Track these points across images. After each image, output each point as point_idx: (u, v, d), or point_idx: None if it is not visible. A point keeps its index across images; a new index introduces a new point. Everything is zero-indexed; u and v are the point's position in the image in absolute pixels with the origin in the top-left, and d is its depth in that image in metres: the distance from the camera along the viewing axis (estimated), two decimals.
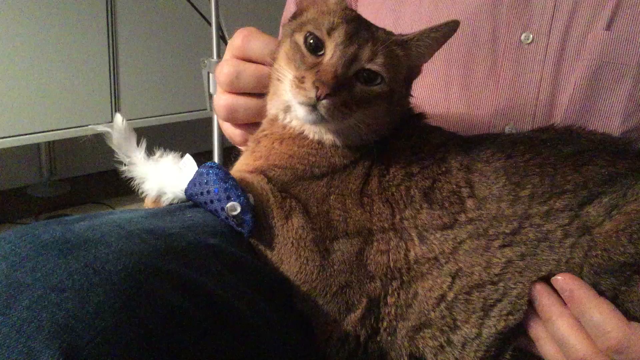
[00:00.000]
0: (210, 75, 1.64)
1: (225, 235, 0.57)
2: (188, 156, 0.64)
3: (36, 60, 1.90)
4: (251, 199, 0.59)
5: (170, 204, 0.62)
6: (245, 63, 0.66)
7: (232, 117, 0.69)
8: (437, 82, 0.78)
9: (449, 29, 0.62)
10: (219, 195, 0.58)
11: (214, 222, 0.58)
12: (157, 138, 2.48)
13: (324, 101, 0.56)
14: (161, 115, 2.25)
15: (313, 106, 0.57)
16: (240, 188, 0.59)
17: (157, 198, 0.63)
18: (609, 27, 0.73)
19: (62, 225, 0.46)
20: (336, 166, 0.62)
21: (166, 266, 0.46)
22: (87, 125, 2.05)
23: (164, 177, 0.62)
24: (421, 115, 0.67)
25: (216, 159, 1.69)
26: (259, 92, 0.67)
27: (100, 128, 0.63)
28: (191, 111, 2.31)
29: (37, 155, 2.38)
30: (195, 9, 1.71)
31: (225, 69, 0.67)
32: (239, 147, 0.73)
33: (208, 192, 0.59)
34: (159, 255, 0.47)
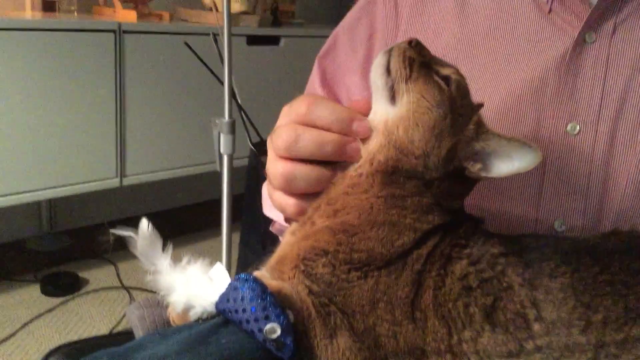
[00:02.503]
0: (222, 135, 1.61)
1: None
2: (219, 264, 0.59)
3: (42, 116, 1.86)
4: (291, 317, 0.54)
5: (199, 319, 0.57)
6: (307, 127, 0.60)
7: (289, 186, 0.61)
8: None
9: None
10: (255, 314, 0.53)
11: (250, 346, 0.52)
12: (162, 192, 2.47)
13: None
14: (166, 170, 2.21)
15: None
16: (280, 305, 0.53)
17: (184, 311, 0.57)
18: None
19: None
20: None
21: None
22: (92, 182, 2.03)
23: (193, 288, 0.57)
24: (480, 221, 0.62)
25: (225, 211, 1.64)
26: (318, 159, 0.60)
27: (124, 232, 0.58)
28: (196, 165, 2.27)
29: (37, 208, 2.33)
30: (207, 67, 1.69)
31: (284, 134, 0.60)
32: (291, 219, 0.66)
33: (244, 310, 0.53)
34: None
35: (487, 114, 0.74)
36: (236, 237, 1.71)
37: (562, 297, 0.53)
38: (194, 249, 2.52)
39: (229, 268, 1.64)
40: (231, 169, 1.64)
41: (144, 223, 0.58)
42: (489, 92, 0.76)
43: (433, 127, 0.59)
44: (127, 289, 2.19)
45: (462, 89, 0.62)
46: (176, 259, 0.60)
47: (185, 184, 2.57)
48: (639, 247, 0.58)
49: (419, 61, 0.61)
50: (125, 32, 1.97)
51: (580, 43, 0.72)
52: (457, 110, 0.60)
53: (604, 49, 0.72)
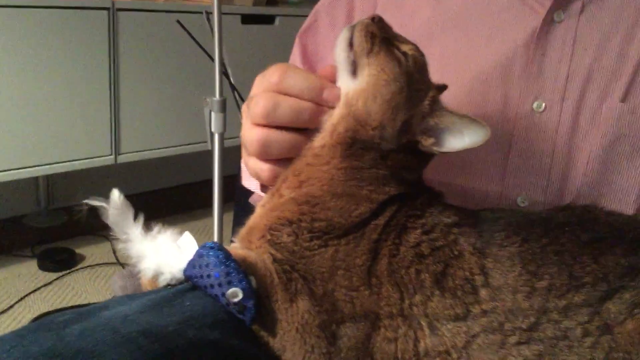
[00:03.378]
0: (213, 113, 1.63)
1: (227, 325, 0.54)
2: (187, 234, 0.61)
3: (37, 93, 1.88)
4: (253, 282, 0.56)
5: (168, 285, 0.59)
6: (283, 96, 0.62)
7: (264, 152, 0.64)
8: None
9: None
10: (219, 279, 0.55)
11: (214, 308, 0.55)
12: (157, 171, 2.48)
13: None
14: (161, 148, 2.23)
15: None
16: (243, 271, 0.56)
17: (154, 278, 0.60)
18: (624, 99, 0.71)
19: (52, 332, 0.43)
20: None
21: None
22: (87, 159, 2.05)
23: (162, 256, 0.59)
24: (439, 194, 0.65)
25: (216, 190, 1.67)
26: (295, 126, 0.63)
27: (96, 202, 0.61)
28: (191, 144, 2.29)
29: (34, 185, 2.35)
30: (199, 44, 1.70)
31: (261, 101, 0.62)
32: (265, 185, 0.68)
33: (208, 275, 0.56)
34: None
35: (457, 93, 0.76)
36: (229, 217, 1.73)
37: (510, 264, 0.56)
38: (187, 227, 2.55)
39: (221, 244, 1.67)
40: (222, 148, 1.66)
41: (115, 194, 0.61)
42: (460, 71, 0.77)
43: (390, 99, 0.61)
44: (122, 264, 2.23)
45: (420, 65, 0.64)
46: (182, 231, 0.62)
47: (181, 163, 2.59)
48: (590, 220, 0.61)
49: (380, 36, 0.64)
50: (118, 9, 1.98)
51: (549, 22, 0.73)
52: (414, 85, 0.62)
53: (572, 28, 0.73)
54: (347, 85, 0.63)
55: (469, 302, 0.55)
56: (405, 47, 0.64)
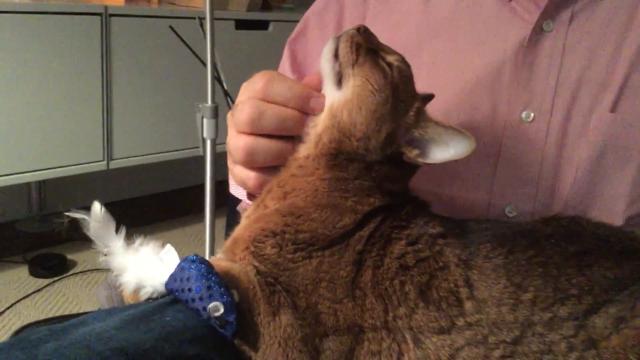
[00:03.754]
0: (205, 119, 1.62)
1: (208, 340, 0.53)
2: (169, 246, 0.60)
3: (29, 99, 1.87)
4: (236, 296, 0.56)
5: (149, 298, 0.58)
6: (268, 104, 0.62)
7: (250, 160, 0.63)
8: None
9: None
10: (200, 293, 0.55)
11: (195, 323, 0.54)
12: (149, 176, 2.46)
13: None
14: (153, 154, 2.22)
15: None
16: (224, 285, 0.55)
17: (136, 291, 0.59)
18: (613, 109, 0.70)
19: (25, 351, 0.42)
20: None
21: None
22: (79, 164, 2.04)
23: (143, 269, 0.59)
24: (425, 204, 0.64)
25: (208, 195, 1.66)
26: (280, 134, 0.63)
27: (77, 215, 0.60)
28: (183, 149, 2.28)
29: (26, 191, 2.34)
30: (191, 50, 1.69)
31: (246, 109, 0.61)
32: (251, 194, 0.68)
33: (189, 289, 0.55)
34: None
35: (445, 101, 0.76)
36: (222, 222, 1.72)
37: (495, 277, 0.55)
38: (181, 233, 2.54)
39: (212, 252, 1.66)
40: (214, 154, 1.65)
41: (97, 206, 0.60)
42: (449, 79, 0.77)
43: (375, 110, 0.60)
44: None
45: (405, 76, 0.63)
46: (164, 243, 0.61)
47: (173, 168, 2.58)
48: (577, 232, 0.60)
49: (365, 47, 0.63)
50: (112, 15, 1.97)
51: (538, 31, 0.73)
52: (399, 96, 0.62)
53: (561, 37, 0.73)
54: (332, 96, 0.62)
55: (453, 314, 0.55)
56: (390, 58, 0.63)
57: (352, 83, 0.61)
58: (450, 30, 0.79)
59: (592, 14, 0.72)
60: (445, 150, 0.61)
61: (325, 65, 0.63)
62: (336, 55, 0.63)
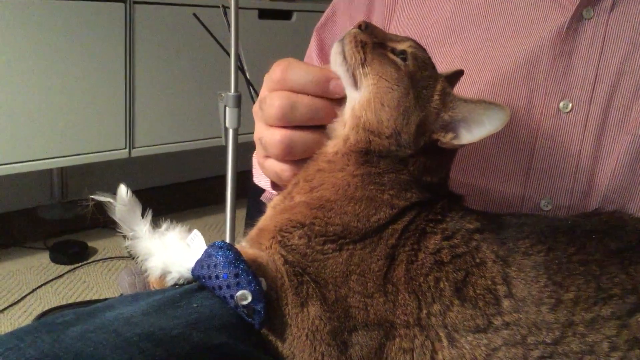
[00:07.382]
0: (227, 108, 1.61)
1: (234, 328, 0.52)
2: (196, 231, 0.59)
3: (52, 86, 1.87)
4: (264, 284, 0.54)
5: (175, 284, 0.57)
6: (297, 95, 0.60)
7: (289, 153, 0.62)
8: (468, 150, 0.72)
9: None
10: (228, 281, 0.53)
11: (222, 310, 0.53)
12: (171, 165, 2.46)
13: None
14: (175, 143, 2.21)
15: None
16: (252, 273, 0.54)
17: (162, 276, 0.58)
18: None
19: (51, 334, 0.41)
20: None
21: None
22: (101, 152, 2.05)
23: (170, 254, 0.58)
24: (460, 197, 0.62)
25: (229, 185, 1.65)
26: (312, 124, 0.61)
27: (102, 198, 0.59)
28: (205, 139, 2.27)
29: (48, 177, 2.35)
30: (215, 38, 1.68)
31: (276, 102, 0.60)
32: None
33: (217, 276, 0.54)
34: None
35: (479, 91, 0.74)
36: (242, 213, 1.71)
37: (534, 274, 0.53)
38: (200, 223, 2.54)
39: (232, 243, 1.65)
40: (236, 143, 1.64)
41: (123, 189, 0.59)
42: (483, 70, 0.74)
43: (397, 104, 0.58)
44: (134, 258, 2.22)
45: (421, 61, 0.61)
46: (191, 229, 0.60)
47: (194, 158, 2.58)
48: (618, 227, 0.58)
49: (371, 43, 0.61)
50: (135, 2, 1.96)
51: (577, 19, 0.70)
52: (419, 84, 0.59)
53: (602, 25, 0.70)
54: (352, 97, 0.61)
55: (490, 313, 0.52)
56: (402, 45, 0.61)
57: (366, 82, 0.59)
58: (484, 17, 0.77)
59: (634, 2, 0.69)
60: (481, 127, 0.58)
61: (337, 70, 0.62)
62: (345, 58, 0.61)
